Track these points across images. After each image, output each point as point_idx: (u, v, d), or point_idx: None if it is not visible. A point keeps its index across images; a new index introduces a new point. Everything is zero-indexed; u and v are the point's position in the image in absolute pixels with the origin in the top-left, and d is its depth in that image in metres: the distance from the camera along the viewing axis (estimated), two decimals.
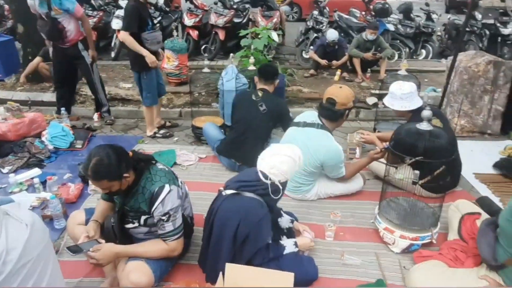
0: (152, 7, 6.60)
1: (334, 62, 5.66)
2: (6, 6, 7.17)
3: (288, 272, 1.69)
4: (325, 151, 2.52)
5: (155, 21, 3.85)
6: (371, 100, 4.85)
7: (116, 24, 6.18)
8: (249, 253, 1.89)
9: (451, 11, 11.47)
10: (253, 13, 7.06)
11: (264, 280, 1.66)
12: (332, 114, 2.59)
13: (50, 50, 4.08)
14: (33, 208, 2.72)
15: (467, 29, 6.42)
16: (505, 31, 6.47)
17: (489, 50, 5.48)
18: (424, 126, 2.10)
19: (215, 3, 6.70)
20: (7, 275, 1.32)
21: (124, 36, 3.38)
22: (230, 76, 3.84)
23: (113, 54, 6.58)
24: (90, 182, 2.94)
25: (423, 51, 6.81)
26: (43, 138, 3.62)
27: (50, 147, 3.58)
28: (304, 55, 6.42)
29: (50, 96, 5.10)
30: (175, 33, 5.51)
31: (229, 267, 1.72)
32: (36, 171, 3.20)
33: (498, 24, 6.55)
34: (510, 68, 3.78)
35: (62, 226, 2.54)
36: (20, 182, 3.01)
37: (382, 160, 2.66)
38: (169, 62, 5.38)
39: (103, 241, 1.93)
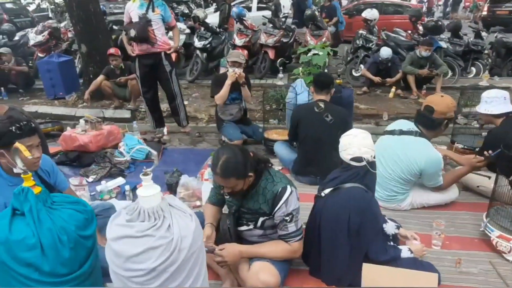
0: (202, 28, 6.85)
1: (388, 79, 5.69)
2: (63, 29, 7.59)
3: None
4: (426, 158, 2.49)
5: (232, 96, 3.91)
6: None
7: (198, 43, 6.43)
8: (367, 242, 1.88)
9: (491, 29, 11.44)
10: (299, 34, 7.26)
11: (406, 280, 1.62)
12: (429, 122, 2.58)
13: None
14: None
15: None
16: None
17: None
18: None
19: (264, 24, 6.92)
20: (181, 262, 1.35)
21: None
22: (300, 90, 3.91)
23: (189, 77, 6.63)
24: (178, 190, 3.01)
25: (473, 69, 6.75)
26: (121, 150, 3.74)
27: (128, 158, 3.68)
28: (354, 73, 6.47)
29: (111, 112, 5.31)
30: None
31: (366, 267, 1.69)
32: (120, 180, 3.29)
33: None
34: None
35: None
36: (109, 190, 3.09)
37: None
38: None
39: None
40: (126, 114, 5.29)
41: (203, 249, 1.51)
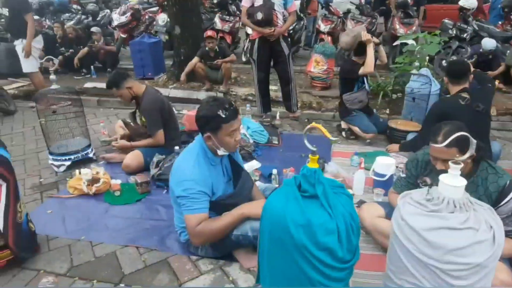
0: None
1: (489, 72, 5.41)
2: (143, 12, 7.62)
3: None
4: None
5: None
6: None
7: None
8: None
9: None
10: (379, 23, 7.04)
11: None
12: None
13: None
14: None
15: None
16: None
17: None
18: None
19: (348, 10, 6.71)
20: (498, 259, 1.27)
21: None
22: (427, 79, 3.74)
23: (244, 58, 6.75)
24: None
25: None
26: (244, 132, 3.70)
27: (251, 141, 3.64)
28: (444, 65, 6.19)
29: (203, 95, 5.29)
30: (326, 38, 5.56)
31: None
32: (255, 163, 3.26)
33: None
34: None
35: None
36: (250, 172, 3.05)
37: None
38: (318, 66, 5.40)
39: None
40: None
41: None
